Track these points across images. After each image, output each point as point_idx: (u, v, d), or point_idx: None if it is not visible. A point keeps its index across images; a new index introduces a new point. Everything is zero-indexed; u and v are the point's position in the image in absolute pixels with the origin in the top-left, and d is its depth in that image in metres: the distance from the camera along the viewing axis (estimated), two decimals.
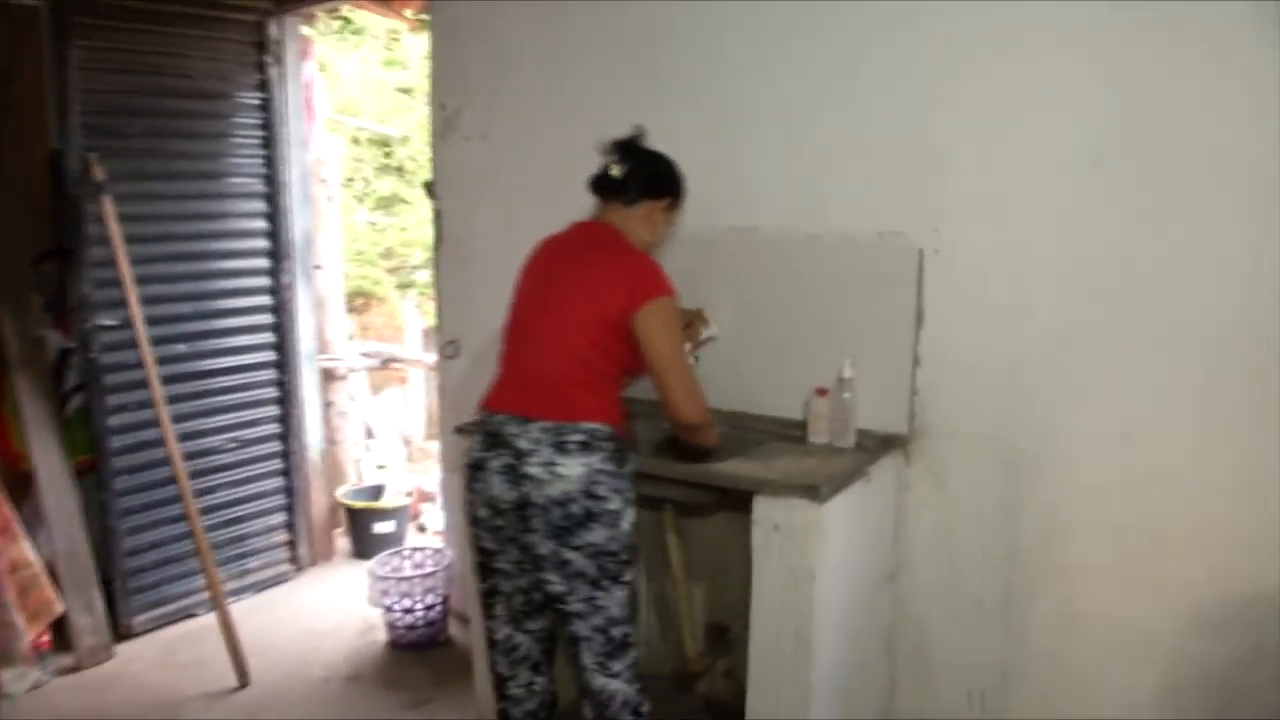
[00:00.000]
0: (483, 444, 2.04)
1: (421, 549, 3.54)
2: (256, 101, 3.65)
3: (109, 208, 3.16)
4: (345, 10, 6.83)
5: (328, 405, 4.99)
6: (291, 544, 3.94)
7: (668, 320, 2.01)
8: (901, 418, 2.31)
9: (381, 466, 4.73)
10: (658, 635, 2.81)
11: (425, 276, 6.83)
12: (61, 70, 3.13)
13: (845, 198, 2.36)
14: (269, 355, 3.79)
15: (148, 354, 3.13)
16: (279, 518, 3.89)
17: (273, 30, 3.64)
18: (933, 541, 2.32)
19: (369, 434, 5.16)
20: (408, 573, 3.37)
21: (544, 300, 2.08)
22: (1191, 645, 2.03)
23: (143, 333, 3.14)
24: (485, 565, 2.13)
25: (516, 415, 2.00)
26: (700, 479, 2.12)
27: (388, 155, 8.03)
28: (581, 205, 2.22)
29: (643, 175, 2.13)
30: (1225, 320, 1.93)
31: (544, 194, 2.82)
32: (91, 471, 3.34)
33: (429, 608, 3.26)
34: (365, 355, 5.39)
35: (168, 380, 3.39)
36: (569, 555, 1.97)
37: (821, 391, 2.29)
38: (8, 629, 2.90)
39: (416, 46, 6.95)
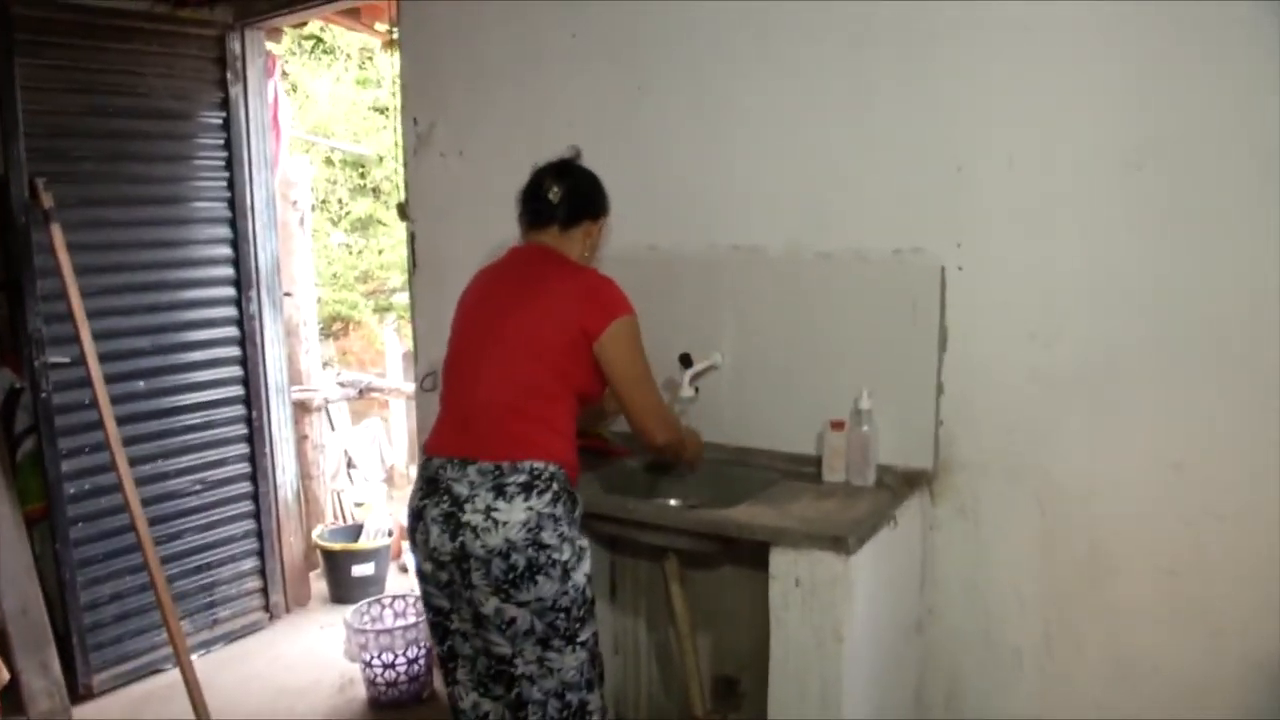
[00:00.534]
0: (421, 490, 1.88)
1: (403, 596, 3.30)
2: (218, 121, 3.43)
3: (58, 236, 2.93)
4: (316, 29, 6.66)
5: (303, 439, 4.76)
6: (264, 590, 3.69)
7: (633, 339, 1.92)
8: (925, 451, 2.12)
9: (360, 504, 4.50)
10: (661, 689, 2.59)
11: (404, 299, 6.63)
12: (4, 89, 2.90)
13: (857, 211, 2.17)
14: (235, 390, 3.56)
15: (101, 392, 2.89)
16: (250, 563, 3.64)
17: (234, 46, 3.43)
18: (963, 585, 2.12)
19: (350, 464, 4.94)
20: (388, 623, 3.14)
21: (489, 330, 1.92)
22: (1255, 699, 1.84)
23: (95, 369, 2.91)
24: (440, 625, 1.96)
25: (455, 457, 1.84)
26: (708, 528, 1.92)
27: (363, 176, 7.85)
28: None
29: (580, 198, 2.02)
30: None
31: None
32: (45, 520, 3.09)
33: (411, 661, 3.02)
34: (342, 385, 5.17)
35: (126, 420, 3.17)
36: (514, 613, 1.79)
37: (837, 424, 2.10)
38: None
39: (389, 65, 6.76)
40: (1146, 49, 1.81)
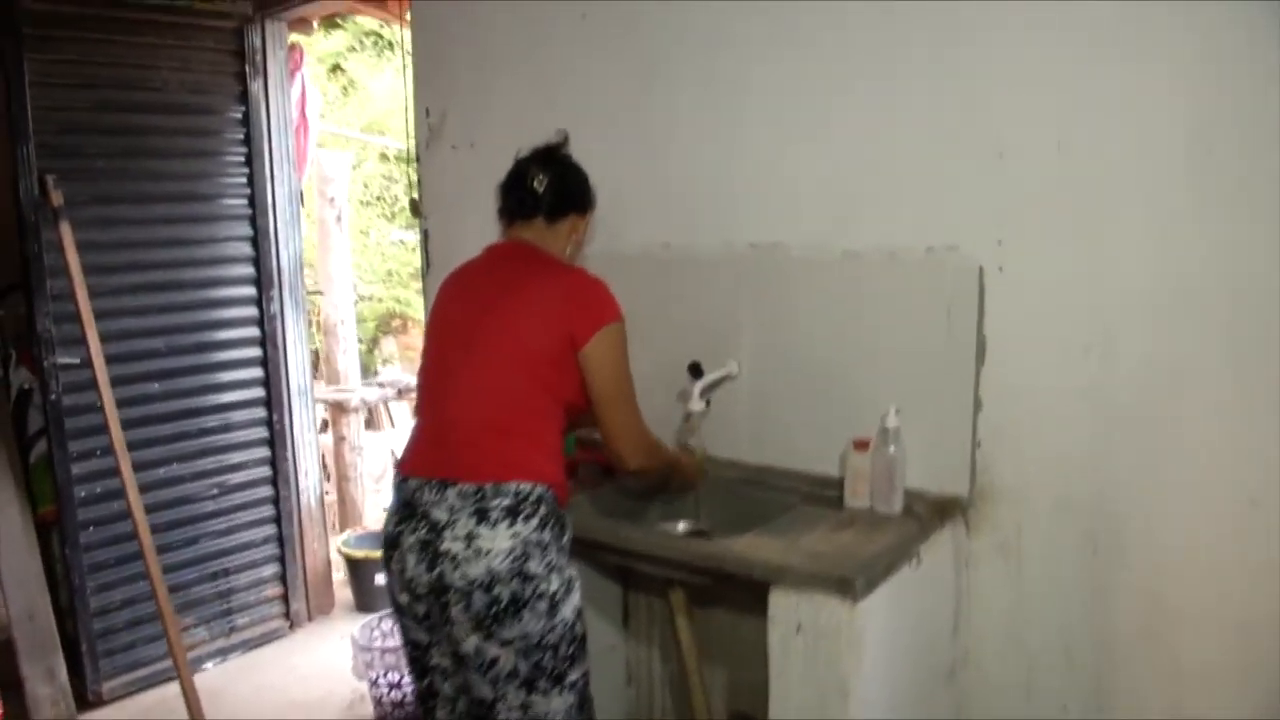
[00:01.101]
0: (397, 515, 1.71)
1: None
2: (237, 116, 3.33)
3: (67, 235, 2.85)
4: (376, 25, 6.59)
5: (340, 440, 4.68)
6: (285, 598, 3.59)
7: (620, 349, 1.75)
8: (961, 476, 1.87)
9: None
10: None
11: None
12: (13, 85, 2.83)
13: (886, 204, 1.92)
14: (256, 392, 3.45)
15: (106, 393, 2.81)
16: (270, 569, 3.54)
17: (254, 38, 3.32)
18: (1004, 632, 1.87)
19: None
20: (397, 640, 2.99)
21: (468, 335, 1.73)
22: None
23: (101, 370, 2.82)
24: (419, 661, 1.79)
25: (433, 479, 1.66)
26: (704, 561, 1.71)
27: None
28: None
29: (567, 187, 1.85)
30: None
31: None
32: (56, 524, 3.04)
33: None
34: (380, 385, 5.09)
35: (140, 423, 3.11)
36: (496, 652, 1.61)
37: (861, 444, 1.86)
38: None
39: None
40: (1216, 13, 1.54)
